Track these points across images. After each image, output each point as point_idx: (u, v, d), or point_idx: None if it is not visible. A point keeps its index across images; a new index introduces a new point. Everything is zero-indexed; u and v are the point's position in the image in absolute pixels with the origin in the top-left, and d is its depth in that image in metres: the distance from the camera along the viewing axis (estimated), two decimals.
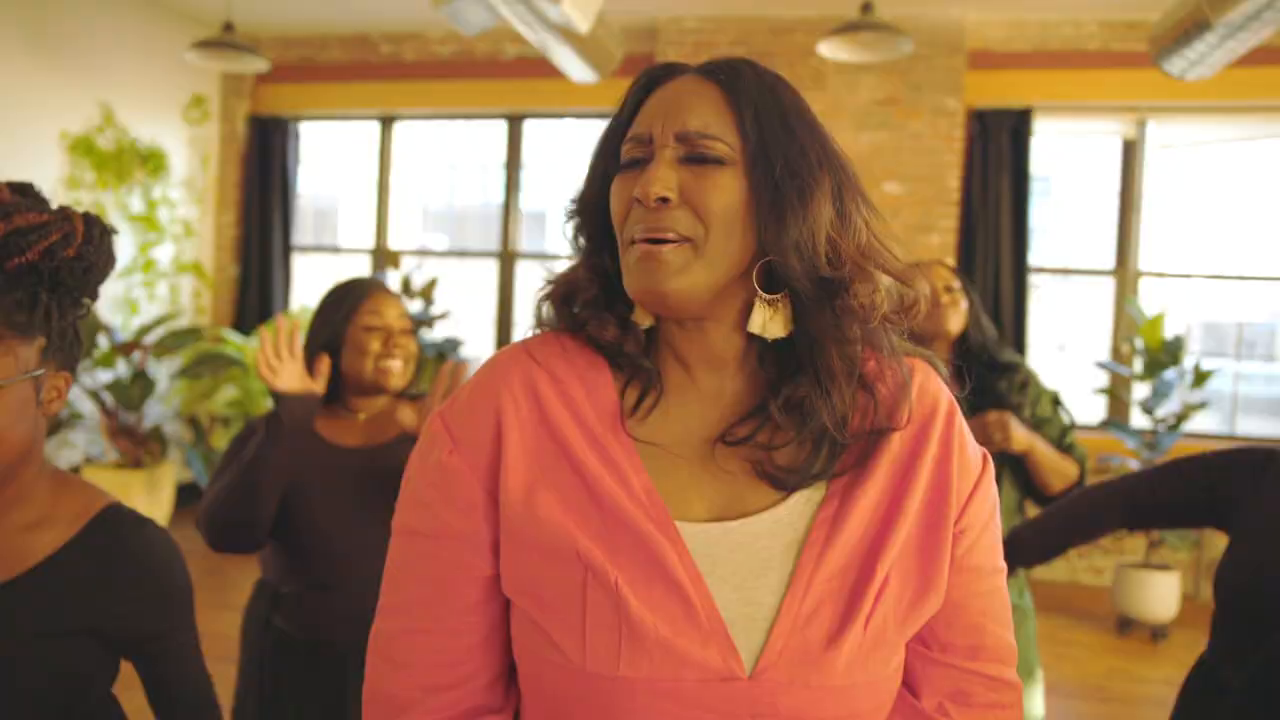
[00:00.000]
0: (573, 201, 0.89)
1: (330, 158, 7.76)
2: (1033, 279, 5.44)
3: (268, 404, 5.29)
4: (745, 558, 0.78)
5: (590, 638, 0.74)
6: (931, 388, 0.86)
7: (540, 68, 5.39)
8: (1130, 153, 5.41)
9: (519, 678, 0.84)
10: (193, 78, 6.05)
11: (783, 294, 0.79)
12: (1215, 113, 5.36)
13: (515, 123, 6.13)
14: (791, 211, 0.77)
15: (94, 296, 1.20)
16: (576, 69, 4.60)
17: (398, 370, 1.82)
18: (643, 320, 0.83)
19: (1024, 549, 1.80)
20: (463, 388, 0.87)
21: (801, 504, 0.81)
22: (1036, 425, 2.19)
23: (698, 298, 0.78)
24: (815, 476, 0.80)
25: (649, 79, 0.84)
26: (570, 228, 0.89)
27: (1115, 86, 5.20)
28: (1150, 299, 5.31)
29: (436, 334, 5.65)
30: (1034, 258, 5.44)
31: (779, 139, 0.78)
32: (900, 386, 0.83)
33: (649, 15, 5.58)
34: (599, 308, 0.84)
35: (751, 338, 0.82)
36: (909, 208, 5.35)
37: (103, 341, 5.12)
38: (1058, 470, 2.15)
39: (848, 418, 0.80)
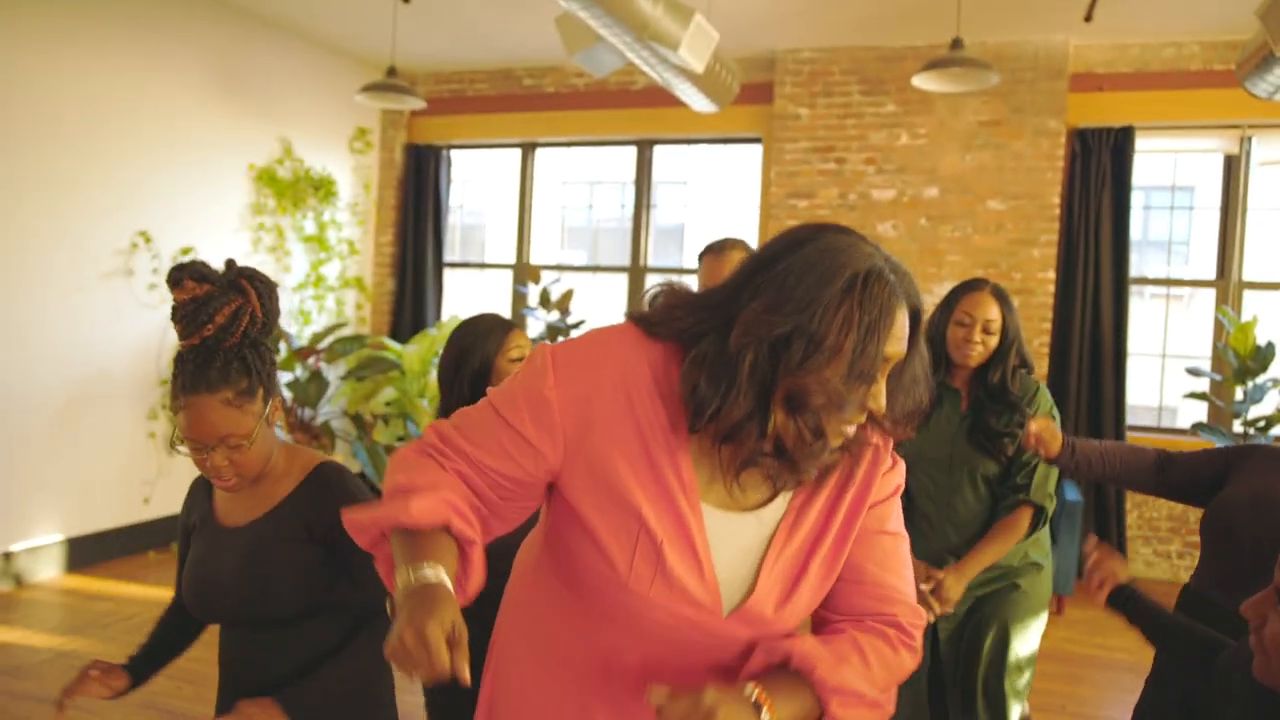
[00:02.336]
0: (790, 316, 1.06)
1: (476, 181, 8.45)
2: (1135, 289, 5.64)
3: (422, 405, 5.98)
4: (737, 541, 1.15)
5: (636, 566, 1.09)
6: (866, 439, 1.18)
7: (666, 98, 5.92)
8: (1231, 168, 5.56)
9: (548, 551, 1.21)
10: (357, 112, 6.82)
11: None
12: None
13: (645, 147, 6.68)
14: None
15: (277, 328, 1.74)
16: (698, 101, 5.09)
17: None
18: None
19: (1075, 458, 2.23)
20: (580, 339, 1.15)
21: (774, 509, 1.16)
22: (1010, 461, 2.48)
23: None
24: (795, 480, 1.13)
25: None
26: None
27: (1216, 105, 5.37)
28: (1250, 309, 5.44)
29: None
30: (1136, 269, 5.63)
31: None
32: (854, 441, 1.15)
33: (767, 47, 6.04)
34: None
35: None
36: (1011, 223, 5.64)
37: (282, 347, 5.90)
38: (1009, 546, 2.48)
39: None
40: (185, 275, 1.58)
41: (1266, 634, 1.16)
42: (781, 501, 1.17)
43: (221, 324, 1.57)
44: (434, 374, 6.34)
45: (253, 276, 1.63)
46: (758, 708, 1.03)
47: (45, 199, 4.72)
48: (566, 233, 11.46)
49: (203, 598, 1.70)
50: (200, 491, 1.81)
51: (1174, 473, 2.18)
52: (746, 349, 1.04)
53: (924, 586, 2.38)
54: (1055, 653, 4.24)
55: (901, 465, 1.25)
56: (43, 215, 4.71)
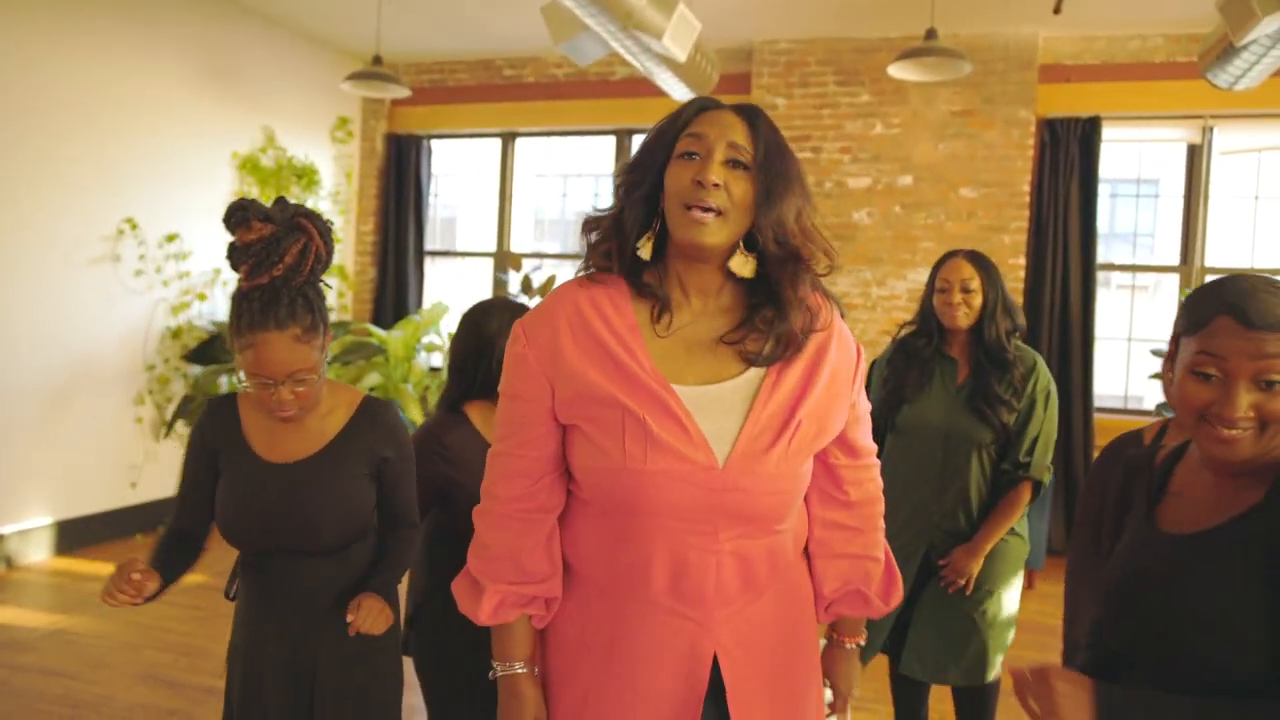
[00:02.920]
0: (630, 169, 1.36)
1: (452, 174, 8.50)
2: (1102, 275, 5.82)
3: (407, 389, 6.06)
4: (719, 405, 1.30)
5: (628, 447, 1.26)
6: (830, 317, 1.39)
7: (645, 87, 6.02)
8: (1194, 157, 5.74)
9: (575, 481, 1.36)
10: (339, 101, 6.87)
11: (754, 252, 1.33)
12: (1277, 119, 5.65)
13: (623, 137, 6.78)
14: (775, 203, 1.29)
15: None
16: (678, 90, 5.20)
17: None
18: (645, 254, 1.32)
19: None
20: (538, 306, 1.37)
21: (752, 378, 1.32)
22: (1019, 417, 2.56)
23: (720, 250, 1.29)
24: (768, 359, 1.32)
25: (702, 105, 1.38)
26: (623, 188, 1.35)
27: (1180, 96, 5.55)
28: None
29: None
30: (1104, 259, 5.81)
31: (773, 159, 1.31)
32: (819, 309, 1.37)
33: (745, 38, 6.15)
34: (629, 254, 1.33)
35: (727, 277, 1.34)
36: (983, 210, 5.79)
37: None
38: (1015, 518, 2.58)
39: (798, 325, 1.33)
40: (251, 216, 1.64)
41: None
42: (756, 374, 1.33)
43: (290, 263, 1.63)
44: (418, 359, 6.42)
45: (310, 215, 1.69)
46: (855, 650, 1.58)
47: (33, 186, 4.75)
48: (540, 224, 11.55)
49: (250, 531, 1.75)
50: (224, 418, 1.80)
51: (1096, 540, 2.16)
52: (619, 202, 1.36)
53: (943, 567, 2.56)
54: (1027, 623, 4.38)
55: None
56: (30, 203, 4.74)
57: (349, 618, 1.64)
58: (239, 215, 1.65)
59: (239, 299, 1.66)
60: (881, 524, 1.54)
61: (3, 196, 4.61)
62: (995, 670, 2.65)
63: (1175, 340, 1.24)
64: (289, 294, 1.65)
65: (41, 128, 4.77)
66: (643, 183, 1.34)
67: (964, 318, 2.58)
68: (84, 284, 5.06)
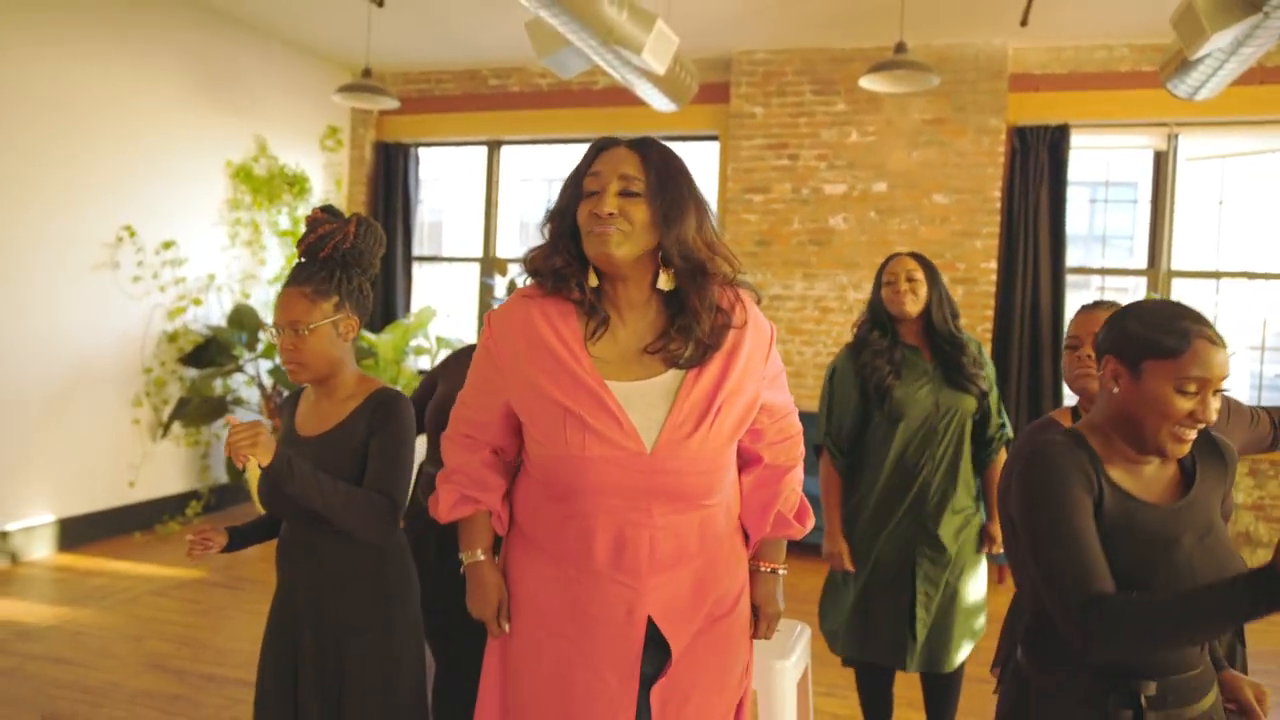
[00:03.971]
0: (550, 213, 1.60)
1: (438, 179, 8.68)
2: (1071, 279, 6.02)
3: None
4: (646, 400, 1.51)
5: (569, 437, 1.48)
6: (747, 309, 1.60)
7: (628, 97, 6.20)
8: (1160, 163, 5.95)
9: (527, 465, 1.62)
10: (329, 111, 7.03)
11: (673, 268, 1.54)
12: (1239, 126, 5.86)
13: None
14: (672, 222, 1.50)
15: (375, 267, 2.04)
16: (658, 100, 5.38)
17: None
18: (593, 281, 1.54)
19: None
20: (502, 305, 1.63)
21: (674, 376, 1.53)
22: (983, 394, 2.82)
23: (627, 261, 1.50)
24: (687, 362, 1.53)
25: (600, 146, 1.58)
26: (546, 228, 1.61)
27: (1145, 104, 5.74)
28: (1178, 296, 5.83)
29: None
30: (1082, 261, 6.00)
31: (665, 183, 1.51)
32: (733, 307, 1.58)
33: (724, 49, 6.34)
34: (569, 276, 1.54)
35: (653, 292, 1.56)
36: (955, 216, 5.99)
37: (263, 337, 6.10)
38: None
39: (708, 328, 1.54)
40: (321, 211, 2.02)
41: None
42: (678, 373, 1.54)
43: (312, 241, 1.98)
44: (407, 361, 6.58)
45: (360, 219, 2.02)
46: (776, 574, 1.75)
47: (37, 196, 4.90)
48: (525, 228, 11.72)
49: (276, 495, 1.93)
50: (288, 407, 2.10)
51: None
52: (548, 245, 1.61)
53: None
54: (997, 615, 4.56)
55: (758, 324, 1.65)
56: (33, 210, 4.89)
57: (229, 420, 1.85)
58: (313, 212, 2.03)
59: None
60: (798, 457, 1.75)
61: (9, 206, 4.76)
62: (962, 656, 2.81)
63: (1121, 355, 1.46)
64: (314, 263, 1.98)
65: (44, 136, 4.92)
66: (563, 226, 1.57)
67: (912, 304, 2.79)
68: (85, 289, 5.21)
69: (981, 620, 2.87)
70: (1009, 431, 2.92)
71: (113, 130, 5.33)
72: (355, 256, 2.00)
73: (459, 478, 1.67)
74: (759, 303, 1.66)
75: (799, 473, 1.75)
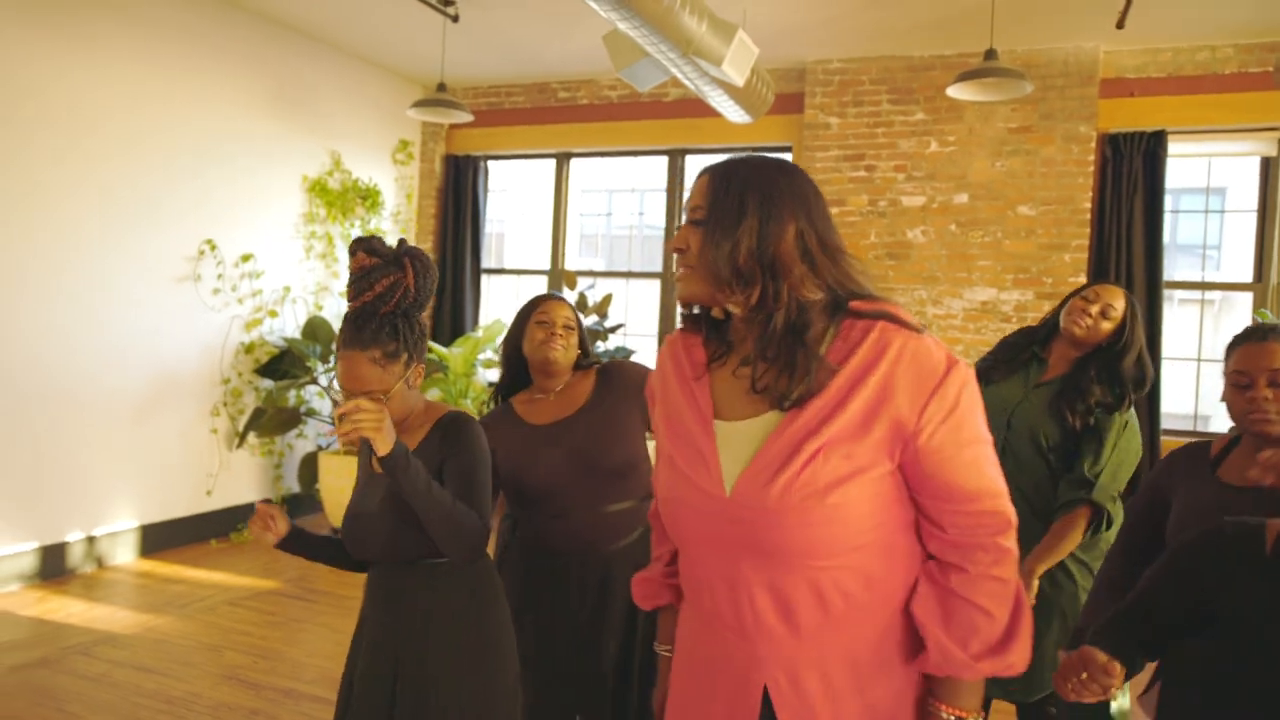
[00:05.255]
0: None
1: (504, 186, 8.67)
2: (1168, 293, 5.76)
3: (466, 404, 6.21)
4: (743, 440, 1.33)
5: (662, 476, 1.43)
6: (884, 338, 1.29)
7: (699, 108, 6.12)
8: (1269, 170, 5.64)
9: None
10: (400, 125, 7.08)
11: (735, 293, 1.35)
12: None
13: (676, 157, 6.89)
14: (716, 241, 1.32)
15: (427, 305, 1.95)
16: (734, 113, 5.29)
17: (558, 349, 2.35)
18: (717, 314, 1.42)
19: None
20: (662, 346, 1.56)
21: (775, 417, 1.31)
22: (1093, 431, 2.50)
23: (697, 296, 1.37)
24: (790, 401, 1.29)
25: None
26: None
27: (1252, 107, 5.45)
28: None
29: (610, 345, 6.45)
30: (1166, 273, 5.74)
31: (718, 200, 1.34)
32: (857, 341, 1.30)
33: (797, 59, 6.23)
34: (703, 319, 1.44)
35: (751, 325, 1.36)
36: (1042, 228, 5.78)
37: (335, 349, 6.14)
38: (1069, 547, 2.45)
39: (795, 363, 1.31)
40: (360, 249, 1.86)
41: None
42: (777, 413, 1.32)
43: (379, 293, 1.83)
44: (477, 374, 6.57)
45: (415, 256, 1.88)
46: None
47: (124, 209, 5.01)
48: (585, 239, 11.71)
49: (352, 533, 1.90)
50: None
51: (1137, 546, 2.09)
52: None
53: None
54: None
55: (961, 368, 1.31)
56: (121, 224, 4.99)
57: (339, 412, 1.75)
58: (353, 247, 1.86)
59: (343, 319, 1.88)
60: (989, 565, 1.31)
61: (99, 221, 4.87)
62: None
63: None
64: (378, 321, 1.84)
65: (133, 154, 5.02)
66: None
67: (1089, 332, 2.57)
68: (168, 302, 5.30)
69: None
70: (1100, 496, 2.44)
71: (194, 146, 5.42)
72: (419, 304, 1.91)
73: (659, 567, 1.62)
74: (918, 332, 1.32)
75: (991, 588, 1.30)
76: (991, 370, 2.71)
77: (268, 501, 1.94)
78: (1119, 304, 2.58)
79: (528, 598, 2.37)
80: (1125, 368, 2.55)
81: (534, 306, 2.45)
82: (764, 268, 1.31)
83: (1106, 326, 2.57)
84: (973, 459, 1.30)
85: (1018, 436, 2.61)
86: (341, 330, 1.86)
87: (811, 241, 1.34)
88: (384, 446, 1.72)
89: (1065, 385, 2.59)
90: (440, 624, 1.90)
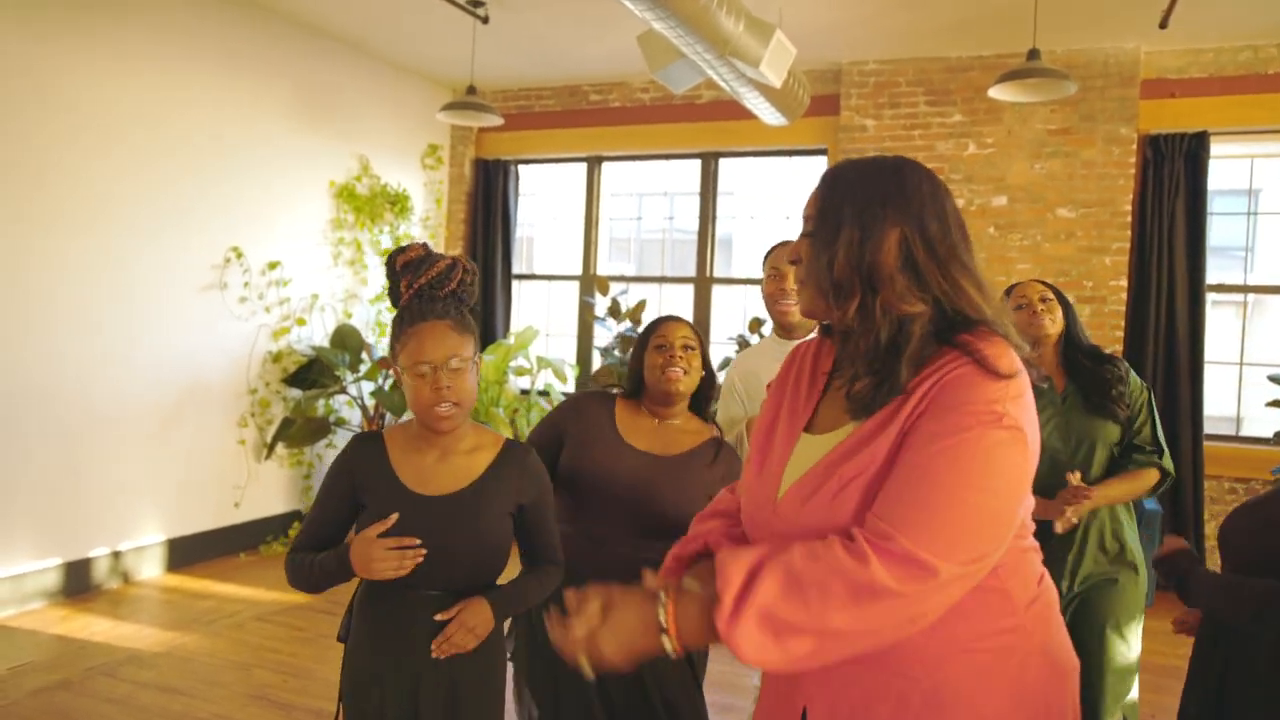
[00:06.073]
0: None
1: (534, 190, 8.60)
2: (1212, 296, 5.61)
3: (498, 413, 6.13)
4: (812, 454, 1.28)
5: (741, 482, 1.44)
6: (947, 372, 1.19)
7: (733, 110, 6.02)
8: None
9: None
10: (429, 129, 7.02)
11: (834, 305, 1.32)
12: None
13: (710, 160, 6.78)
14: (819, 251, 1.29)
15: None
16: (769, 115, 5.18)
17: (678, 378, 2.29)
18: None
19: None
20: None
21: (851, 428, 1.26)
22: (1131, 421, 2.61)
23: (809, 312, 1.34)
24: (852, 414, 1.26)
25: None
26: None
27: None
28: None
29: None
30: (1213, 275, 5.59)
31: (824, 208, 1.31)
32: (938, 368, 1.20)
33: (832, 60, 6.11)
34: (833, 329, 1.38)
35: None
36: (1082, 231, 5.63)
37: (365, 357, 6.09)
38: (1133, 494, 2.61)
39: (869, 381, 1.24)
40: (407, 247, 1.91)
41: None
42: (847, 428, 1.27)
43: (441, 270, 1.85)
44: (509, 383, 6.49)
45: (460, 257, 1.93)
46: (664, 630, 1.13)
47: (149, 217, 4.95)
48: (615, 243, 11.61)
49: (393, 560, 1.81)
50: (371, 452, 1.87)
51: None
52: None
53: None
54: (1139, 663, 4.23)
55: (1004, 425, 1.15)
56: (146, 232, 4.94)
57: (441, 616, 1.76)
58: (399, 249, 1.89)
59: (401, 310, 1.85)
60: (841, 580, 1.12)
61: (124, 229, 4.82)
62: None
63: None
64: (444, 297, 1.86)
65: (156, 161, 4.97)
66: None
67: (1051, 324, 2.65)
68: (194, 310, 5.25)
69: (1134, 687, 2.59)
70: (1166, 463, 2.63)
71: (221, 152, 5.37)
72: (469, 293, 1.92)
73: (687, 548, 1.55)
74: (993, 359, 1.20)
75: (810, 575, 1.12)
76: None
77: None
78: (1041, 288, 2.70)
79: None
80: (1085, 338, 2.71)
81: (651, 330, 2.40)
82: (862, 279, 1.24)
83: (1058, 310, 2.67)
84: (910, 468, 1.16)
85: (1085, 458, 2.60)
86: (404, 315, 1.83)
87: (918, 249, 1.24)
88: (484, 634, 1.81)
89: (1086, 392, 2.62)
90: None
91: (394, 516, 1.76)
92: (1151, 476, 2.61)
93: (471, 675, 1.84)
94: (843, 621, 1.08)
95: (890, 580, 1.08)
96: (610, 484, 2.25)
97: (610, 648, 1.13)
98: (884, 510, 1.14)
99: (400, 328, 1.82)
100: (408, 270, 1.85)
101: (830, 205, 1.29)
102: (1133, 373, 2.68)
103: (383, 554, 1.73)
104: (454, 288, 1.86)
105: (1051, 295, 2.69)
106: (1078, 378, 2.64)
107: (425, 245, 1.92)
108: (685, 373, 2.31)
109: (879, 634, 1.11)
